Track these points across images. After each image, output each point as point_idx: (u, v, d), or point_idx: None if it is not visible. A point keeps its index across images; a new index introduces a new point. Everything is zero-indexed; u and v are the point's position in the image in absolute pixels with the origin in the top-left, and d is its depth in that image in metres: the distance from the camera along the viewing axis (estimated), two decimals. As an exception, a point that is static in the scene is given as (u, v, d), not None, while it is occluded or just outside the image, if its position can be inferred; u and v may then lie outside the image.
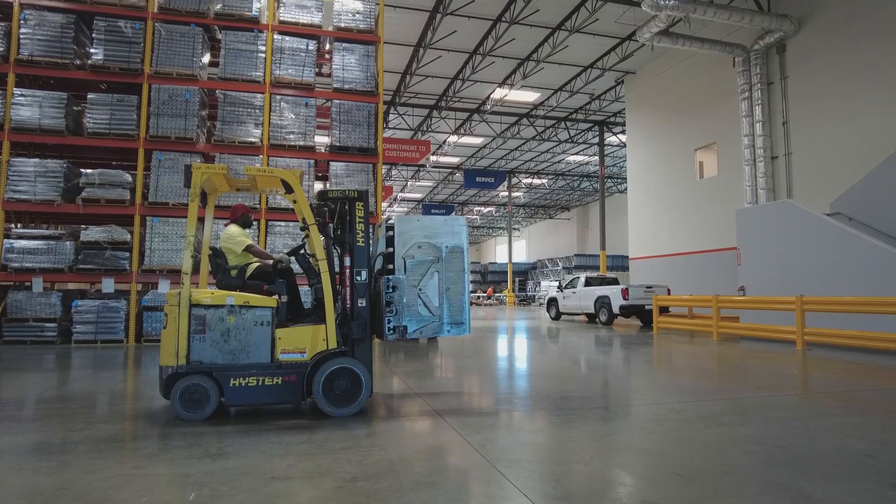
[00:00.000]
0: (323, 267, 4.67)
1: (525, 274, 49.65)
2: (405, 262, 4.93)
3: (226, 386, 4.41)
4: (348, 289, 4.77)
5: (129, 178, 11.19)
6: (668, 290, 16.11)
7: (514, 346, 11.06)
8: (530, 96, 23.68)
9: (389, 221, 5.28)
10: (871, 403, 5.17)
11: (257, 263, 5.31)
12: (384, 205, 42.84)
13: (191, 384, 4.36)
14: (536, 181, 39.70)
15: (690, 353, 9.40)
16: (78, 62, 11.19)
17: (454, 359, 8.68)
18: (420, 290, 4.92)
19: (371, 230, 5.01)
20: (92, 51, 11.30)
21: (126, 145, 11.25)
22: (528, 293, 45.97)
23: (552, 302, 19.50)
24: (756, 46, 15.08)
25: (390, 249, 5.00)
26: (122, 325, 10.75)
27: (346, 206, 4.84)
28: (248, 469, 3.24)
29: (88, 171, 11.20)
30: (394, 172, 35.26)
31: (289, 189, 4.95)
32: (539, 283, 44.54)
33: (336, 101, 12.25)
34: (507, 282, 45.16)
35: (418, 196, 45.20)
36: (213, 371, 4.41)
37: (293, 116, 11.94)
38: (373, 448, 3.68)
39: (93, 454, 3.53)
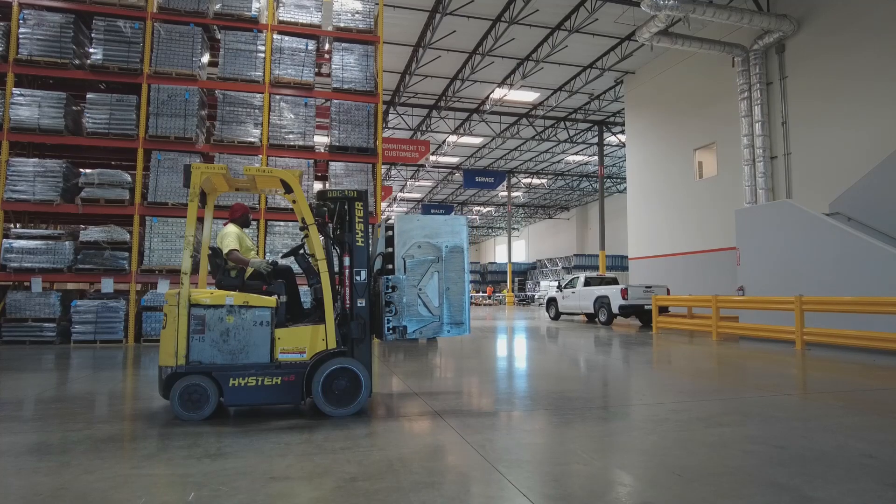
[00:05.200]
0: (322, 267, 4.67)
1: (524, 274, 49.68)
2: (405, 261, 4.89)
3: (225, 386, 4.41)
4: (348, 289, 4.76)
5: (129, 178, 11.18)
6: (668, 290, 16.11)
7: (514, 346, 11.05)
8: (530, 96, 23.68)
9: (389, 221, 5.26)
10: (871, 403, 5.17)
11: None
12: (384, 205, 42.84)
13: (190, 384, 4.36)
14: (536, 181, 39.70)
15: (690, 354, 9.40)
16: (77, 62, 11.18)
17: (454, 359, 8.68)
18: (420, 290, 4.89)
19: (370, 230, 5.01)
20: (91, 51, 11.29)
21: (125, 145, 11.25)
22: (528, 293, 45.98)
23: (551, 302, 19.51)
24: (755, 46, 15.08)
25: (390, 249, 4.99)
26: (122, 326, 10.74)
27: (346, 206, 4.84)
28: (248, 469, 3.23)
29: (87, 171, 11.19)
30: (393, 172, 35.24)
31: (288, 189, 4.95)
32: (538, 283, 44.57)
33: (335, 101, 12.24)
34: (506, 282, 45.18)
35: (418, 196, 45.21)
36: (212, 371, 4.40)
37: (292, 116, 11.94)
38: (372, 448, 3.68)
39: (92, 454, 3.53)
